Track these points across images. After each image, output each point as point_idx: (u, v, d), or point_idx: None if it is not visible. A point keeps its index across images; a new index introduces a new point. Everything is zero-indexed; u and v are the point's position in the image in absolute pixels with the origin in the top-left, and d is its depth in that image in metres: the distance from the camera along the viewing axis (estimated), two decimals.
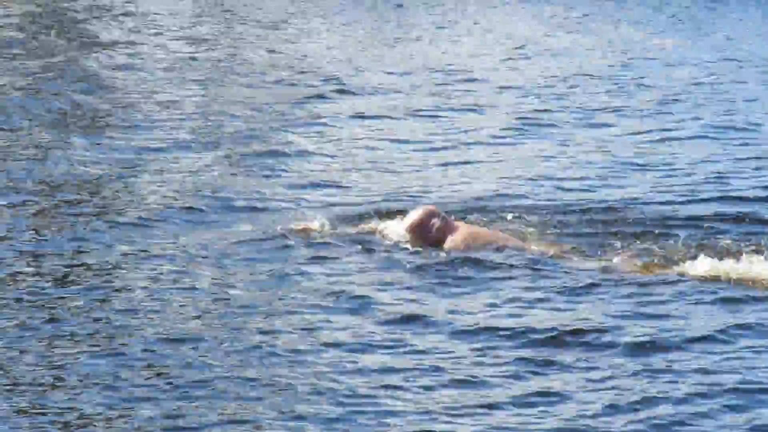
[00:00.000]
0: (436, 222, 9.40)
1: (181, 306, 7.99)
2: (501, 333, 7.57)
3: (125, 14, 25.97)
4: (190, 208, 10.47)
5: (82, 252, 9.12)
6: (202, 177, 12.29)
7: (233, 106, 15.98)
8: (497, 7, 27.40)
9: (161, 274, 8.58)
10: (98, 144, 13.30)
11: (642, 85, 17.23)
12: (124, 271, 8.57)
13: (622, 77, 17.86)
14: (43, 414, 6.16)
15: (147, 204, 10.65)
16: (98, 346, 7.14)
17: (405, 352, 7.19)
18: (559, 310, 8.03)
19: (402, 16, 27.41)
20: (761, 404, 6.38)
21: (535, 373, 6.87)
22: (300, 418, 6.06)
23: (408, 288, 8.52)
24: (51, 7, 26.92)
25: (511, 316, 7.97)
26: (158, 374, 6.74)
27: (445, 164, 13.08)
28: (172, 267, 8.83)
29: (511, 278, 8.75)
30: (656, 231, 9.96)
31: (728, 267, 8.86)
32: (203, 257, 9.04)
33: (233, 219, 9.99)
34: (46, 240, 9.55)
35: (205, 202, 10.81)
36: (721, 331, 7.54)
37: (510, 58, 19.79)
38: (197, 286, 8.33)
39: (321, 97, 16.79)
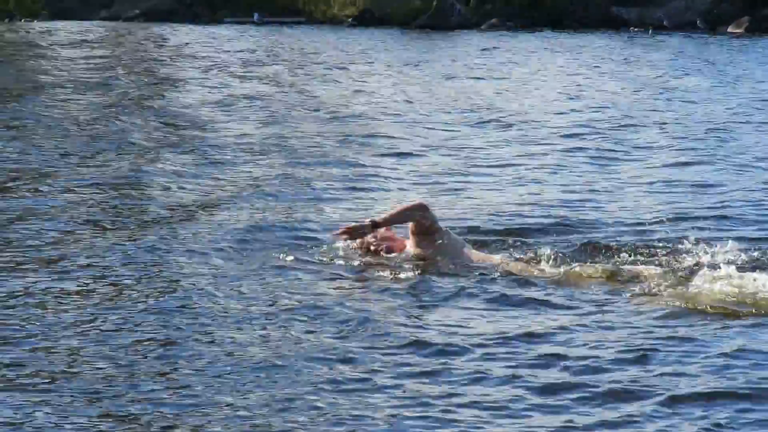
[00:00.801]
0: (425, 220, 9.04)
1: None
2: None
3: (203, 57, 27.12)
4: (260, 237, 9.72)
5: (163, 271, 8.61)
6: (275, 205, 11.68)
7: (307, 138, 15.74)
8: (542, 54, 28.27)
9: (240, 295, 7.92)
10: (176, 172, 12.93)
11: (679, 122, 17.06)
12: (197, 292, 8.00)
13: (662, 114, 17.72)
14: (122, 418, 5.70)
15: (225, 230, 9.96)
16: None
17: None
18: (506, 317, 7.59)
19: (461, 58, 28.05)
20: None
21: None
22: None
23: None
24: (134, 51, 29.14)
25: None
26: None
27: (501, 188, 12.54)
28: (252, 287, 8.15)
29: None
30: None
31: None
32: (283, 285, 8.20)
33: (300, 242, 9.43)
34: (129, 256, 8.98)
35: (282, 233, 10.06)
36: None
37: (558, 99, 19.98)
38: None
39: (385, 134, 16.39)
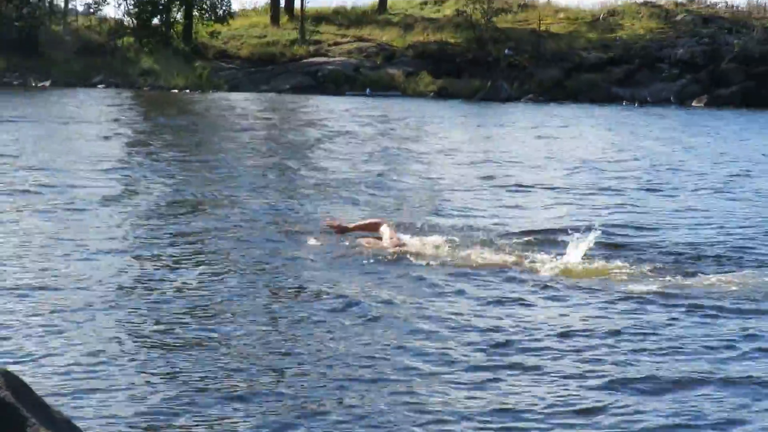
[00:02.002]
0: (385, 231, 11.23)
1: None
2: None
3: (334, 117, 32.16)
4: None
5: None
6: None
7: (414, 184, 17.29)
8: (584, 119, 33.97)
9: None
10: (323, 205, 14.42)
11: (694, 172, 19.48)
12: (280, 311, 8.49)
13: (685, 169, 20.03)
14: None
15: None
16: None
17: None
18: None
19: (512, 120, 33.81)
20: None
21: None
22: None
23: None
24: (285, 112, 35.18)
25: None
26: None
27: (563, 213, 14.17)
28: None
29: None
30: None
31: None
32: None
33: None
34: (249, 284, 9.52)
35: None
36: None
37: (604, 157, 22.08)
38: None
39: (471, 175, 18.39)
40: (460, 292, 9.09)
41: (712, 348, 7.44)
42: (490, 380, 6.73)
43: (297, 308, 8.57)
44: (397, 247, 10.58)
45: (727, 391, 6.60)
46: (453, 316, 8.29)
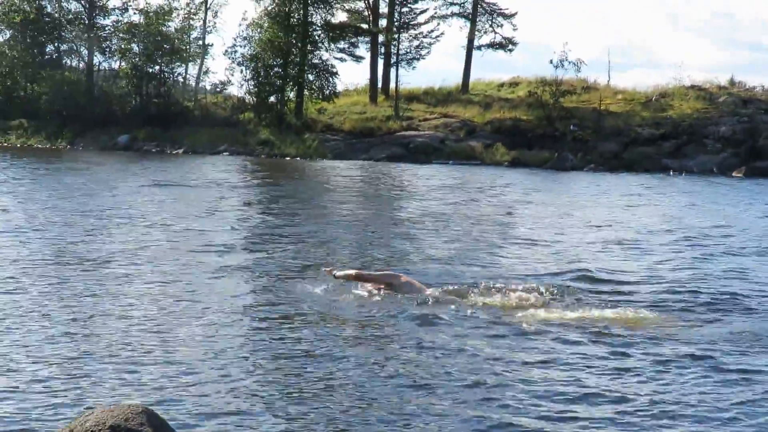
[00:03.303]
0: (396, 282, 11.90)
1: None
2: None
3: (424, 182, 34.10)
4: None
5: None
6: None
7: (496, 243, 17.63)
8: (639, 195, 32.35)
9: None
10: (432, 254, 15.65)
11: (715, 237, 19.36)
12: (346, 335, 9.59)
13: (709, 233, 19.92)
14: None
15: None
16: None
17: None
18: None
19: (583, 187, 34.66)
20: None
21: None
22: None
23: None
24: (381, 176, 37.48)
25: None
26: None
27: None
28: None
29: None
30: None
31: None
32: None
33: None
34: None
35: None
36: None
37: (665, 229, 21.32)
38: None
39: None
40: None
41: None
42: None
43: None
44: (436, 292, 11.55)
45: None
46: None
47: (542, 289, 12.07)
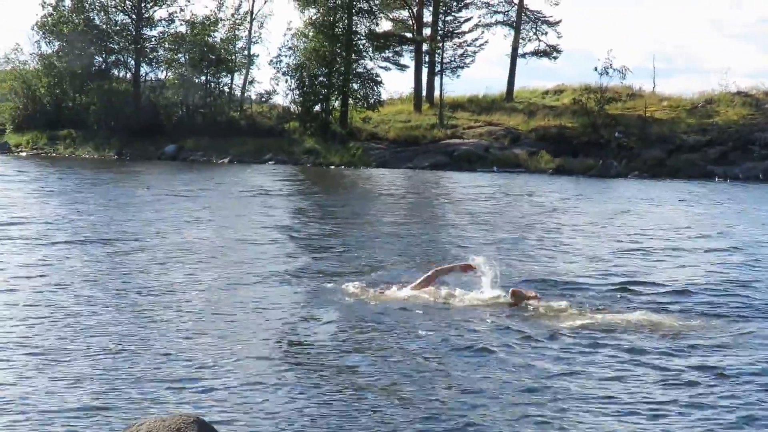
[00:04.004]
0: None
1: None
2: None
3: (469, 188, 34.34)
4: None
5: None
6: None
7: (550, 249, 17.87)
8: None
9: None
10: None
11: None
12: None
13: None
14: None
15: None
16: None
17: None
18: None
19: (626, 193, 34.46)
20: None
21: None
22: None
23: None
24: (423, 184, 37.40)
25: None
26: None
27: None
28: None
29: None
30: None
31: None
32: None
33: None
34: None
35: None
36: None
37: (699, 221, 23.04)
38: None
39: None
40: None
41: None
42: None
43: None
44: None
45: None
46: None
47: (598, 298, 12.22)
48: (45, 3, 62.64)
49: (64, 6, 62.44)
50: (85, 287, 12.64)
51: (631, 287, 13.40)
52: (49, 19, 62.00)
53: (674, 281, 14.03)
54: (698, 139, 50.43)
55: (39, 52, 62.75)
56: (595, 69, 55.14)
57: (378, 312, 11.28)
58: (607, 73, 54.44)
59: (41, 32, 62.25)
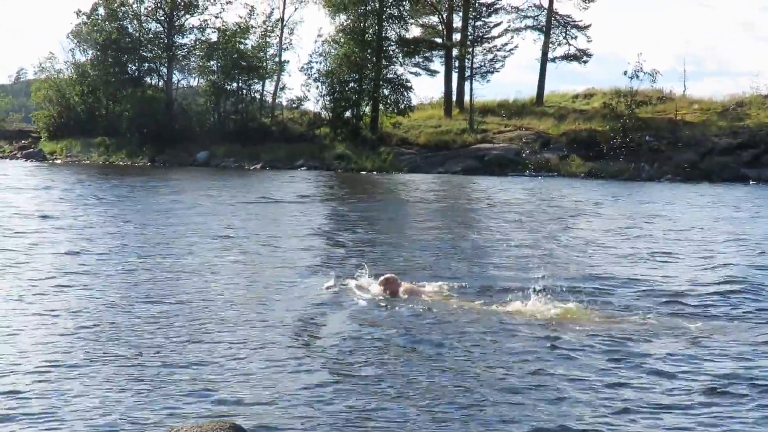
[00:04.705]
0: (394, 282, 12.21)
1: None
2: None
3: (500, 192, 34.38)
4: None
5: None
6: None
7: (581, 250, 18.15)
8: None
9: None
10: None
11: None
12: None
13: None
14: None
15: None
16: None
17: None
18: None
19: (657, 196, 34.50)
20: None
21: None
22: None
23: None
24: (456, 188, 37.82)
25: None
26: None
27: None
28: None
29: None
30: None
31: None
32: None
33: None
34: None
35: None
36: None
37: (732, 224, 23.02)
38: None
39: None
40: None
41: None
42: None
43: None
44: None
45: None
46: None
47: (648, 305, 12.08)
48: (80, 12, 63.53)
49: (98, 15, 63.15)
50: (120, 293, 12.75)
51: (678, 293, 13.31)
52: (84, 27, 62.62)
53: (711, 284, 13.98)
54: (730, 142, 50.18)
55: (73, 61, 63.71)
56: (625, 73, 55.14)
57: (420, 316, 11.30)
58: (638, 77, 54.46)
59: (75, 40, 63.04)
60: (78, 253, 16.54)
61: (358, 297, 12.27)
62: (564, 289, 12.51)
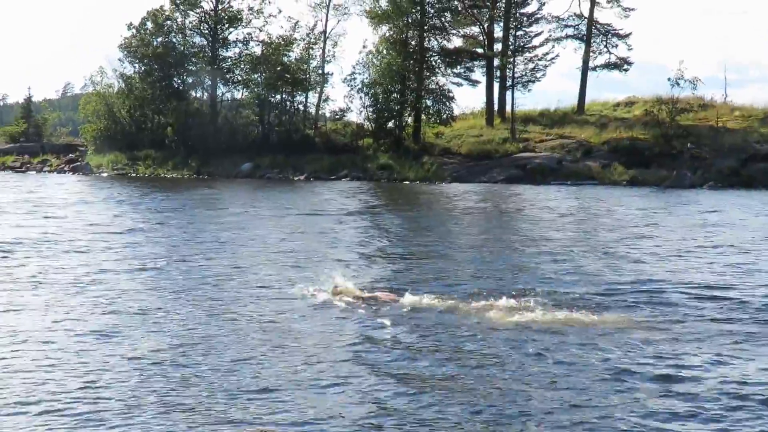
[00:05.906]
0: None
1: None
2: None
3: (545, 201, 34.09)
4: None
5: None
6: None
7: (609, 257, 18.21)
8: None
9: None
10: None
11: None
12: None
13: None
14: None
15: None
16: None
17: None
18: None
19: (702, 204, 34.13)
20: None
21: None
22: None
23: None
24: (499, 198, 37.45)
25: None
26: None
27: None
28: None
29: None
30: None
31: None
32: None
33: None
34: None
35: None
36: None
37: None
38: None
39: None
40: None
41: None
42: None
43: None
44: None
45: None
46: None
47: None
48: (131, 25, 64.06)
49: (146, 29, 63.71)
50: (164, 297, 13.00)
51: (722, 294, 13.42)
52: (133, 41, 63.19)
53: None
54: None
55: (122, 73, 64.05)
56: (668, 80, 55.22)
57: (453, 323, 11.32)
58: (679, 84, 54.46)
59: (124, 52, 63.59)
60: (184, 264, 16.74)
61: (405, 308, 12.23)
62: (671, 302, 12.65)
